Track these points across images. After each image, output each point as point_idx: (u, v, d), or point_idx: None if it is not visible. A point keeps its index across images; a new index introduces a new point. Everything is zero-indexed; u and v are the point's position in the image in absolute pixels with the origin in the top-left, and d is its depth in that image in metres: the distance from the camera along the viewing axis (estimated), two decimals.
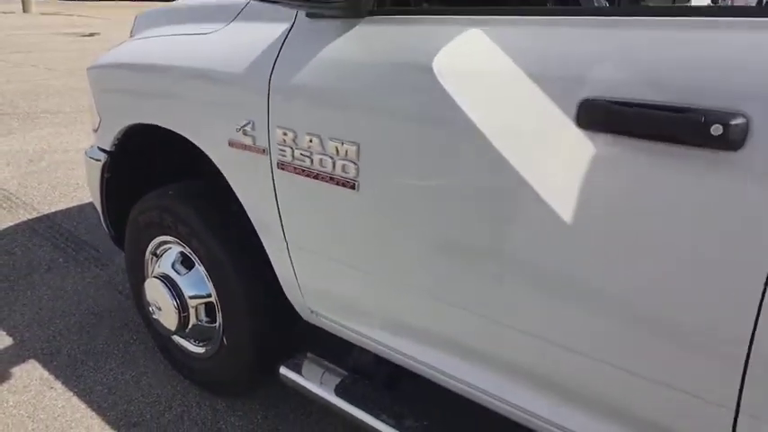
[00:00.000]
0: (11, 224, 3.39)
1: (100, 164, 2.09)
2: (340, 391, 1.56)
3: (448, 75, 1.09)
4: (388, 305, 1.40)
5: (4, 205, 3.63)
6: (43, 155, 4.72)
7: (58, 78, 8.31)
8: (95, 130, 2.11)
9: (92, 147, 2.18)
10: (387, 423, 1.43)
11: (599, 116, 0.92)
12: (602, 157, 0.93)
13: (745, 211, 0.82)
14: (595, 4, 1.71)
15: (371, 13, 1.26)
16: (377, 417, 1.46)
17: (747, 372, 0.88)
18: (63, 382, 2.08)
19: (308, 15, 1.37)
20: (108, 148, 2.04)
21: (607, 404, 1.07)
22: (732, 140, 0.80)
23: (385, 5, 1.26)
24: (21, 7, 23.79)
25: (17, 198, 3.77)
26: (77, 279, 2.78)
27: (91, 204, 3.44)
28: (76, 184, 4.04)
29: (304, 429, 1.88)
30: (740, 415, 0.92)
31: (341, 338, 1.60)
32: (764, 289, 0.83)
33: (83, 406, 1.97)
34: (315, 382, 1.61)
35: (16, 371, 2.13)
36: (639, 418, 1.03)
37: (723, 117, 0.80)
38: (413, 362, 1.39)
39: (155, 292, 1.92)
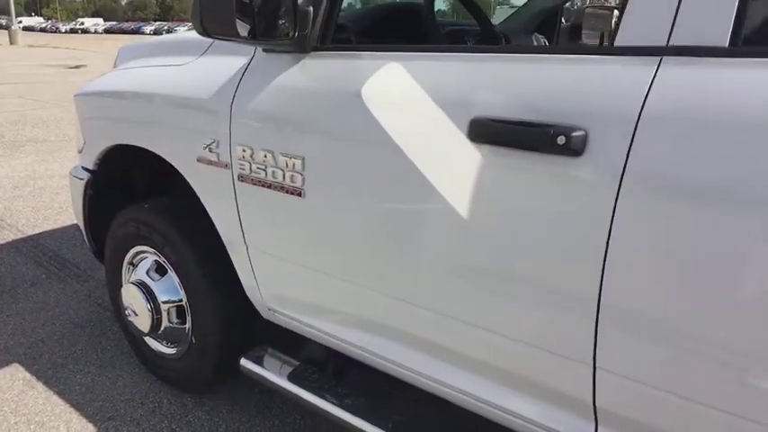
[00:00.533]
0: None
1: (83, 182, 2.31)
2: (293, 379, 1.77)
3: (372, 100, 1.34)
4: (336, 301, 1.62)
5: None
6: (28, 181, 4.92)
7: (45, 109, 8.53)
8: (80, 152, 2.34)
9: (76, 167, 2.40)
10: (332, 403, 1.63)
11: (483, 131, 1.17)
12: (486, 163, 1.18)
13: (586, 200, 1.06)
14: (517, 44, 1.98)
15: (315, 49, 1.51)
16: (324, 399, 1.66)
17: (599, 330, 1.11)
18: (44, 383, 2.25)
19: (264, 51, 1.62)
20: (91, 168, 2.26)
21: (502, 370, 1.29)
22: (574, 149, 1.05)
23: (326, 43, 1.51)
24: (8, 39, 24.09)
25: (2, 220, 3.95)
26: (59, 293, 2.96)
27: (73, 226, 3.64)
28: (60, 208, 4.23)
29: (265, 421, 2.06)
30: (597, 370, 1.15)
31: (296, 333, 1.81)
32: (604, 260, 1.06)
33: (62, 403, 2.14)
34: (272, 372, 1.81)
35: (0, 374, 2.29)
36: (517, 376, 1.26)
37: (566, 130, 1.05)
38: (359, 351, 1.60)
39: (131, 297, 2.12)
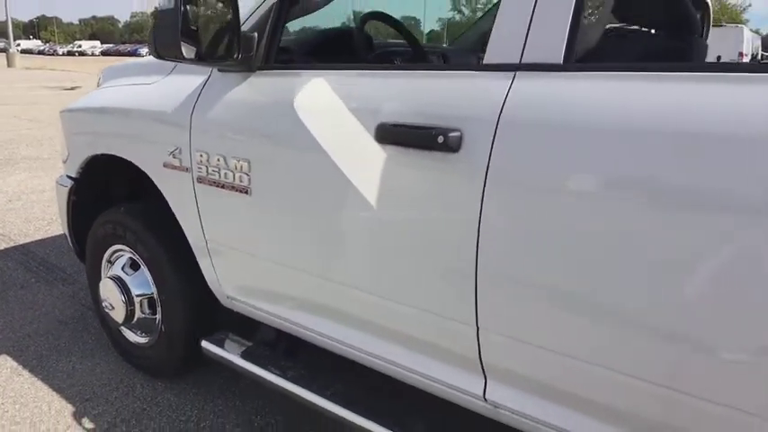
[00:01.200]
0: None
1: (67, 189, 2.56)
2: (247, 357, 2.00)
3: (303, 110, 1.60)
4: (283, 286, 1.86)
5: None
6: (21, 195, 5.16)
7: (39, 129, 8.81)
8: (64, 162, 2.59)
9: (61, 176, 2.64)
10: (277, 375, 1.87)
11: (386, 134, 1.43)
12: (390, 160, 1.43)
13: (463, 188, 1.31)
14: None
15: (260, 69, 1.77)
16: (271, 372, 1.89)
17: (478, 296, 1.35)
18: (29, 371, 2.47)
19: (219, 70, 1.88)
20: (74, 175, 2.51)
21: (412, 337, 1.54)
22: (451, 146, 1.30)
23: (269, 63, 1.77)
24: (5, 62, 24.48)
25: None
26: (46, 294, 3.19)
27: (62, 236, 3.86)
28: (50, 219, 4.46)
29: (227, 401, 2.29)
30: (480, 330, 1.39)
31: (251, 318, 2.04)
32: (477, 238, 1.31)
33: (45, 387, 2.36)
34: (229, 352, 2.05)
35: (6, 352, 2.52)
36: (422, 341, 1.50)
37: (445, 131, 1.31)
38: (304, 330, 1.84)
39: (108, 290, 2.35)
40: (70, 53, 68.72)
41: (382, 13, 2.28)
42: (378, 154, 1.45)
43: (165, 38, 1.57)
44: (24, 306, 3.05)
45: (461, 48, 2.89)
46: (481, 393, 1.45)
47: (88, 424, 2.15)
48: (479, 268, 1.33)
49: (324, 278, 1.68)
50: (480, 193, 1.29)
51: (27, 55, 48.94)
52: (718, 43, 16.95)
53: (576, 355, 1.26)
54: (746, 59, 20.49)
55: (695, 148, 1.04)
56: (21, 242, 3.99)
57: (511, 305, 1.33)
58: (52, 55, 65.18)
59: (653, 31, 1.52)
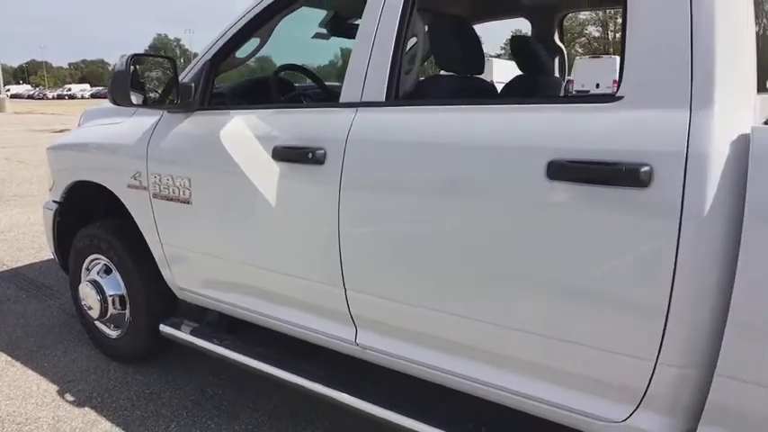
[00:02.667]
0: None
1: (52, 211, 3.11)
2: (196, 334, 2.53)
3: (226, 138, 2.18)
4: (219, 274, 2.41)
5: None
6: (12, 228, 5.69)
7: (29, 170, 9.37)
8: (50, 189, 3.15)
9: (47, 201, 3.20)
10: (219, 345, 2.40)
11: (278, 154, 2.00)
12: (282, 174, 2.00)
13: (328, 190, 1.88)
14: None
15: (198, 110, 2.36)
16: (215, 344, 2.42)
17: (342, 264, 1.91)
18: (21, 363, 2.98)
19: (168, 112, 2.47)
20: (58, 200, 3.07)
21: (302, 302, 2.09)
22: (318, 160, 1.88)
23: (205, 105, 2.36)
24: None
25: None
26: (36, 307, 3.71)
27: (49, 260, 4.39)
28: (39, 248, 4.99)
29: (184, 380, 2.80)
30: (347, 290, 1.95)
31: (199, 305, 2.59)
32: (338, 224, 1.87)
33: (34, 374, 2.87)
34: (182, 332, 2.58)
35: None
36: (310, 304, 2.05)
37: (314, 150, 1.89)
38: (237, 308, 2.38)
39: (86, 292, 2.89)
40: (60, 97, 69.79)
41: (292, 64, 2.90)
42: (274, 168, 2.02)
43: (119, 90, 2.16)
44: (16, 315, 3.57)
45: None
46: (353, 339, 2.00)
47: (69, 397, 2.66)
48: (342, 246, 1.90)
49: (245, 263, 2.24)
50: (338, 193, 1.86)
51: (17, 100, 49.78)
52: (598, 72, 18.37)
53: (415, 303, 1.81)
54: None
55: (466, 156, 1.62)
56: (13, 266, 4.52)
57: (365, 271, 1.89)
58: (42, 99, 66.16)
59: (461, 74, 2.10)
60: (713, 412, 1.36)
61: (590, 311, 1.46)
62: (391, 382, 2.01)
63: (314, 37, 2.78)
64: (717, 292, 1.29)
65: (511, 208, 1.54)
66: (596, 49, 47.14)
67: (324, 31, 2.79)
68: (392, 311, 1.86)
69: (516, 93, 2.57)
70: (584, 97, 1.61)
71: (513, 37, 2.62)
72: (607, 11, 53.14)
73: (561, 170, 1.43)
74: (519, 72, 2.68)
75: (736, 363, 1.29)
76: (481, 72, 2.04)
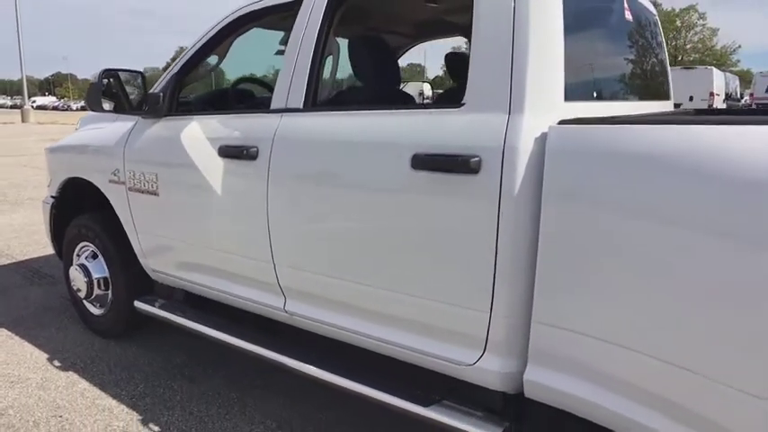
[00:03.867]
0: None
1: (49, 205, 3.56)
2: (165, 308, 2.94)
3: (185, 140, 2.59)
4: (184, 257, 2.82)
5: None
6: (24, 227, 6.18)
7: (44, 175, 9.90)
8: (48, 186, 3.60)
9: (46, 197, 3.65)
10: (183, 317, 2.80)
11: (224, 152, 2.41)
12: (224, 167, 2.41)
13: (259, 181, 2.27)
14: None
15: (165, 116, 2.78)
16: (180, 317, 2.82)
17: (272, 244, 2.30)
18: (20, 336, 3.41)
19: (142, 117, 2.89)
20: (54, 195, 3.51)
21: (242, 276, 2.48)
22: (252, 156, 2.28)
23: (172, 111, 2.78)
24: (20, 118, 26.14)
25: (1, 252, 5.19)
26: (38, 292, 4.16)
27: (52, 255, 4.83)
28: (45, 244, 5.39)
29: (157, 352, 3.20)
30: (276, 265, 2.33)
31: (169, 285, 2.99)
32: (267, 209, 2.27)
33: (30, 345, 3.30)
34: (153, 307, 2.99)
35: (2, 326, 3.47)
36: (249, 278, 2.44)
37: (248, 148, 2.29)
38: (199, 286, 2.78)
39: (76, 275, 3.32)
40: (83, 108, 71.46)
41: (248, 77, 3.32)
42: (219, 164, 2.43)
43: (93, 98, 2.59)
44: (19, 298, 4.02)
45: None
46: (282, 307, 2.39)
47: (56, 363, 3.08)
48: (270, 228, 2.29)
49: (200, 246, 2.64)
50: (266, 184, 2.26)
51: (42, 111, 51.23)
52: (691, 84, 17.82)
53: (324, 273, 2.19)
54: (718, 99, 21.76)
55: (354, 151, 2.01)
56: (21, 259, 4.99)
57: (288, 248, 2.28)
58: (66, 110, 67.88)
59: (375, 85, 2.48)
60: (535, 353, 1.73)
61: (444, 273, 1.84)
62: (322, 347, 2.38)
63: (276, 53, 3.19)
64: (528, 256, 1.66)
65: (386, 192, 1.92)
66: None
67: (283, 48, 3.20)
68: (309, 281, 2.25)
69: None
70: (440, 104, 1.99)
71: (447, 54, 3.00)
72: None
73: (421, 161, 1.81)
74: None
75: (545, 312, 1.66)
76: (395, 83, 2.43)
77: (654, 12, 2.67)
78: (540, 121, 1.65)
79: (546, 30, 1.70)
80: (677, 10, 46.25)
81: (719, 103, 20.75)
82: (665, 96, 2.75)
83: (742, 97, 27.24)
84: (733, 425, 1.32)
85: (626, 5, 2.24)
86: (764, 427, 1.25)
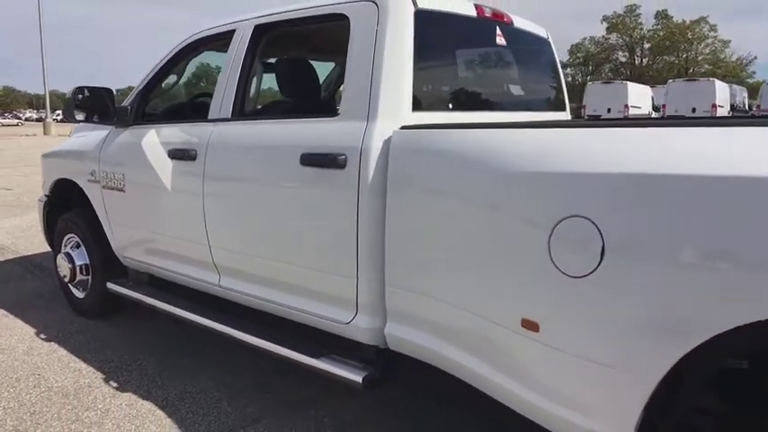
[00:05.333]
0: (1, 260, 5.37)
1: (43, 203, 4.11)
2: (133, 289, 3.45)
3: (146, 146, 3.11)
4: (145, 243, 3.33)
5: (1, 252, 5.64)
6: (31, 227, 6.77)
7: None
8: (42, 186, 4.15)
9: (40, 196, 4.20)
10: (147, 296, 3.30)
11: (172, 154, 2.92)
12: (173, 167, 2.92)
13: (196, 179, 2.78)
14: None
15: (132, 125, 3.30)
16: (145, 295, 3.33)
17: (207, 231, 2.80)
18: (14, 315, 3.94)
19: (115, 126, 3.42)
20: (47, 194, 4.06)
21: (190, 258, 2.98)
22: (192, 157, 2.79)
23: (137, 121, 3.30)
24: (42, 131, 27.19)
25: (8, 248, 5.78)
26: (36, 282, 4.71)
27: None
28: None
29: (131, 331, 3.71)
30: (211, 247, 2.83)
31: (137, 269, 3.51)
32: (203, 202, 2.77)
33: (21, 322, 3.83)
34: (121, 287, 3.50)
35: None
36: (191, 258, 2.94)
37: (191, 151, 2.80)
38: (159, 269, 3.28)
39: (61, 262, 3.85)
40: None
41: (204, 93, 3.85)
42: (170, 165, 2.94)
43: (68, 110, 3.13)
44: (19, 287, 4.57)
45: None
46: (217, 282, 2.87)
47: (42, 336, 3.60)
48: (206, 216, 2.79)
49: (155, 233, 3.15)
50: (202, 181, 2.76)
51: (66, 124, 52.82)
52: (693, 97, 18.15)
53: (247, 252, 2.68)
54: (721, 111, 21.93)
55: (260, 152, 2.50)
56: (25, 254, 5.56)
57: (219, 232, 2.77)
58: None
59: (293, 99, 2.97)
60: (391, 312, 2.19)
61: (327, 247, 2.31)
62: (250, 316, 2.85)
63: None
64: (379, 231, 2.13)
65: (283, 184, 2.41)
66: (622, 74, 47.40)
67: None
68: (234, 259, 2.74)
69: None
70: (318, 113, 2.47)
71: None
72: (632, 37, 53.84)
73: (307, 159, 2.29)
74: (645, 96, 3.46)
75: (392, 277, 2.12)
76: (313, 96, 2.92)
77: (544, 36, 3.13)
78: (389, 127, 2.12)
79: (396, 57, 2.18)
80: (688, 22, 46.31)
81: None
82: (557, 108, 3.20)
83: (750, 109, 27.32)
84: (492, 343, 1.77)
85: (498, 32, 2.71)
86: (503, 339, 1.70)
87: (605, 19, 52.14)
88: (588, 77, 52.93)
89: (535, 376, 1.67)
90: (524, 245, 1.61)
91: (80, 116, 3.13)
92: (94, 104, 3.15)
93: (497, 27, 2.71)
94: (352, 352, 2.41)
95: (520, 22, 2.91)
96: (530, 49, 3.01)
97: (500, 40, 2.72)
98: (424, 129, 2.07)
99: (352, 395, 2.80)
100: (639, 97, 23.22)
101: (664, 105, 22.68)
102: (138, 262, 3.43)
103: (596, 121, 2.11)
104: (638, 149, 1.47)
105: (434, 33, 2.35)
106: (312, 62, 2.95)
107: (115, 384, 2.99)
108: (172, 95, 3.68)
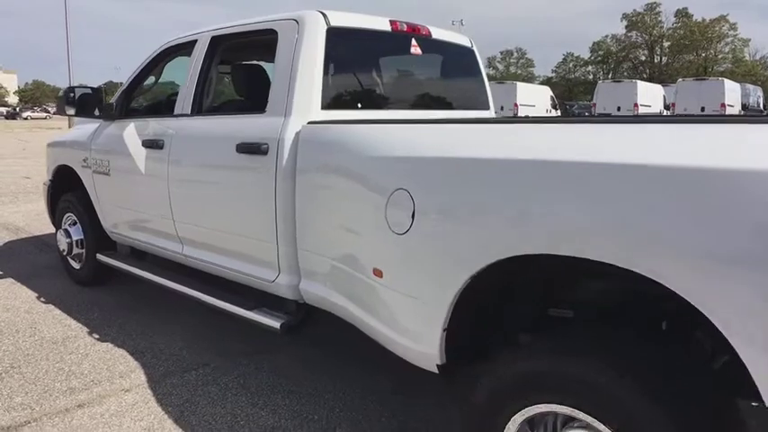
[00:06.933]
0: (15, 238, 6.03)
1: (47, 186, 4.73)
2: (117, 259, 4.03)
3: (126, 137, 3.69)
4: (126, 220, 3.90)
5: (15, 232, 6.30)
6: (42, 212, 7.43)
7: None
8: (47, 172, 4.77)
9: (45, 181, 4.82)
10: (130, 265, 3.89)
11: (144, 143, 3.49)
12: (146, 155, 3.48)
13: (163, 165, 3.34)
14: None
15: (118, 118, 3.88)
16: (129, 264, 3.91)
17: (171, 206, 3.36)
18: (20, 283, 4.57)
19: (104, 120, 4.00)
20: (50, 178, 4.68)
21: (163, 233, 3.55)
22: (161, 146, 3.35)
23: (122, 115, 3.87)
24: (68, 124, 28.24)
25: (23, 229, 6.45)
26: (43, 257, 5.35)
27: None
28: None
29: (115, 294, 4.31)
30: (175, 222, 3.39)
31: (123, 243, 4.09)
32: (168, 185, 3.33)
33: (26, 288, 4.45)
34: (108, 258, 4.09)
35: (3, 275, 4.63)
36: (162, 232, 3.51)
37: (158, 141, 3.36)
38: (141, 243, 3.86)
39: (61, 237, 4.46)
40: None
41: (176, 92, 4.41)
42: (143, 153, 3.51)
43: (59, 105, 3.70)
44: (29, 262, 5.21)
45: None
46: (181, 251, 3.43)
47: (42, 299, 4.21)
48: (170, 195, 3.34)
49: (132, 210, 3.73)
50: (167, 166, 3.32)
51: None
52: (702, 96, 18.35)
53: (198, 224, 3.24)
54: (731, 111, 21.97)
55: (205, 142, 3.05)
56: (37, 234, 6.22)
57: (181, 208, 3.32)
58: None
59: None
60: (303, 270, 2.72)
61: (255, 219, 2.84)
62: (207, 280, 3.41)
63: None
64: (291, 205, 2.66)
65: (223, 168, 2.96)
66: (642, 73, 47.17)
67: None
68: (191, 230, 3.29)
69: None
70: (251, 110, 2.99)
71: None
72: (651, 35, 53.43)
73: (241, 147, 2.83)
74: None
75: (302, 241, 2.66)
76: (252, 95, 3.46)
77: (468, 44, 3.63)
78: (300, 122, 2.65)
79: (308, 65, 2.71)
80: (707, 20, 45.92)
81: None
82: (479, 106, 3.69)
83: (765, 109, 27.20)
84: (359, 289, 2.30)
85: (414, 43, 3.21)
86: (364, 285, 2.22)
87: (625, 16, 51.90)
88: (610, 74, 52.81)
89: (385, 313, 2.19)
90: (373, 211, 2.13)
91: (70, 111, 3.71)
92: (86, 101, 3.72)
93: (413, 39, 3.21)
94: (282, 306, 2.95)
95: (440, 34, 3.42)
96: (449, 55, 3.51)
97: (415, 50, 3.23)
98: (322, 124, 2.60)
99: (291, 348, 3.36)
100: (650, 96, 23.46)
101: (673, 104, 22.85)
102: (121, 236, 4.01)
103: (437, 120, 2.61)
104: (440, 141, 1.98)
105: (344, 45, 2.87)
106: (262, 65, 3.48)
107: (97, 336, 3.58)
108: (151, 94, 4.24)
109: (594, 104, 23.81)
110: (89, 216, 4.27)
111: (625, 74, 49.96)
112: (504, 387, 1.75)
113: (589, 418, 1.58)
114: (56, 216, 4.70)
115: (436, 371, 2.04)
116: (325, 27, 2.76)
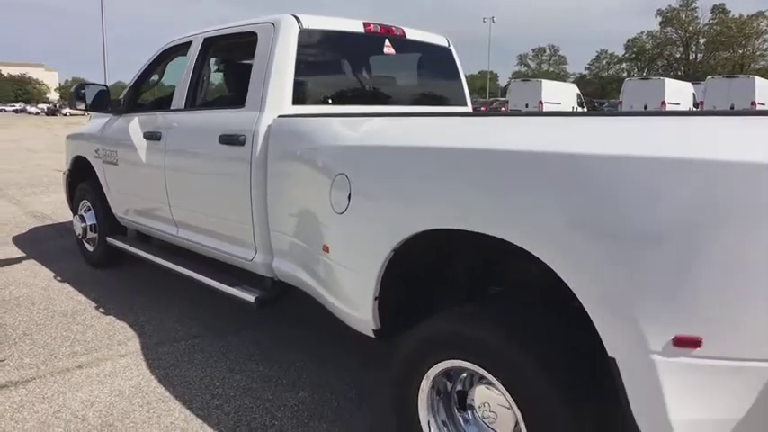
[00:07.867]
0: (41, 225, 6.50)
1: (66, 175, 5.14)
2: (125, 242, 4.41)
3: (131, 130, 4.04)
4: (131, 206, 4.27)
5: (41, 219, 6.78)
6: (64, 202, 7.93)
7: None
8: (66, 162, 5.18)
9: (64, 171, 5.24)
10: (137, 248, 4.25)
11: (146, 135, 3.84)
12: (146, 146, 3.83)
13: (159, 155, 3.68)
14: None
15: (124, 114, 4.24)
16: (135, 247, 4.28)
17: (168, 193, 3.71)
18: (41, 264, 4.99)
19: (113, 114, 4.38)
20: (69, 168, 5.09)
21: (164, 218, 3.89)
22: (158, 138, 3.69)
23: (129, 110, 4.23)
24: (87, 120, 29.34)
25: (48, 217, 6.93)
26: (64, 241, 5.78)
27: None
28: None
29: (127, 277, 4.68)
30: (171, 206, 3.73)
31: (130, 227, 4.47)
32: (165, 173, 3.67)
33: (45, 269, 4.86)
34: (117, 241, 4.46)
35: (27, 257, 5.07)
36: (160, 216, 3.86)
37: (157, 133, 3.71)
38: (148, 228, 4.22)
39: (77, 222, 4.86)
40: None
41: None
42: (144, 144, 3.86)
43: (71, 101, 4.08)
44: (50, 246, 5.65)
45: None
46: (176, 233, 3.77)
47: (58, 278, 4.61)
48: (167, 182, 3.68)
49: (136, 196, 4.09)
50: (164, 156, 3.66)
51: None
52: (732, 93, 18.11)
53: (188, 208, 3.57)
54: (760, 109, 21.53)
55: (194, 134, 3.38)
56: (60, 221, 6.69)
57: (176, 194, 3.66)
58: None
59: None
60: (275, 250, 3.02)
61: (234, 202, 3.15)
62: (199, 260, 3.74)
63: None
64: (264, 190, 2.96)
65: (208, 157, 3.28)
66: (677, 71, 46.25)
67: None
68: (183, 214, 3.63)
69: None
70: (234, 105, 3.29)
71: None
72: (687, 32, 52.33)
73: (223, 139, 3.14)
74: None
75: (273, 223, 2.96)
76: (236, 91, 3.77)
77: (444, 44, 3.88)
78: (272, 116, 2.95)
79: (281, 64, 3.00)
80: (745, 16, 44.82)
81: None
82: (455, 102, 3.94)
83: None
84: (314, 264, 2.59)
85: (387, 44, 3.48)
86: (317, 260, 2.50)
87: (659, 13, 50.98)
88: (645, 71, 51.96)
89: (333, 285, 2.47)
90: (321, 193, 2.41)
91: (80, 106, 4.09)
92: (96, 97, 4.10)
93: (386, 39, 3.48)
94: (260, 284, 3.25)
95: (415, 34, 3.68)
96: (425, 55, 3.76)
97: (388, 50, 3.49)
98: (290, 117, 2.89)
99: (273, 326, 3.67)
100: (678, 94, 23.10)
101: (701, 102, 22.50)
102: (129, 221, 4.38)
103: (390, 113, 2.88)
104: (369, 131, 2.26)
105: (317, 46, 3.15)
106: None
107: (102, 310, 3.95)
108: (154, 90, 4.61)
109: (621, 102, 23.58)
110: (101, 202, 4.65)
111: (660, 71, 49.07)
112: (424, 344, 2.02)
113: (484, 372, 1.84)
114: (73, 203, 5.11)
115: (373, 335, 2.31)
116: (298, 30, 3.05)
